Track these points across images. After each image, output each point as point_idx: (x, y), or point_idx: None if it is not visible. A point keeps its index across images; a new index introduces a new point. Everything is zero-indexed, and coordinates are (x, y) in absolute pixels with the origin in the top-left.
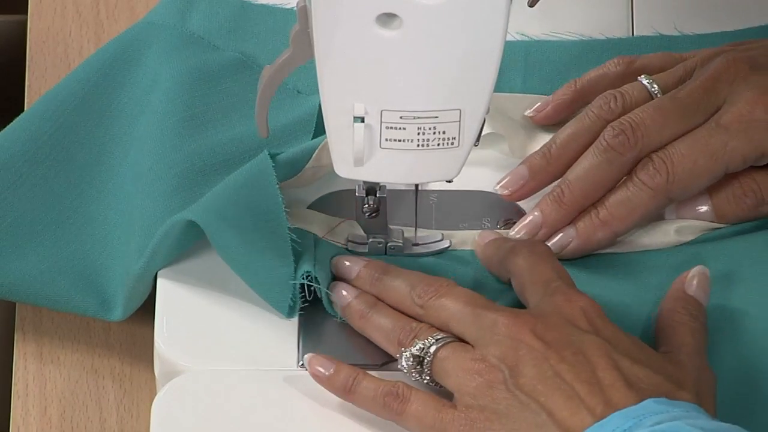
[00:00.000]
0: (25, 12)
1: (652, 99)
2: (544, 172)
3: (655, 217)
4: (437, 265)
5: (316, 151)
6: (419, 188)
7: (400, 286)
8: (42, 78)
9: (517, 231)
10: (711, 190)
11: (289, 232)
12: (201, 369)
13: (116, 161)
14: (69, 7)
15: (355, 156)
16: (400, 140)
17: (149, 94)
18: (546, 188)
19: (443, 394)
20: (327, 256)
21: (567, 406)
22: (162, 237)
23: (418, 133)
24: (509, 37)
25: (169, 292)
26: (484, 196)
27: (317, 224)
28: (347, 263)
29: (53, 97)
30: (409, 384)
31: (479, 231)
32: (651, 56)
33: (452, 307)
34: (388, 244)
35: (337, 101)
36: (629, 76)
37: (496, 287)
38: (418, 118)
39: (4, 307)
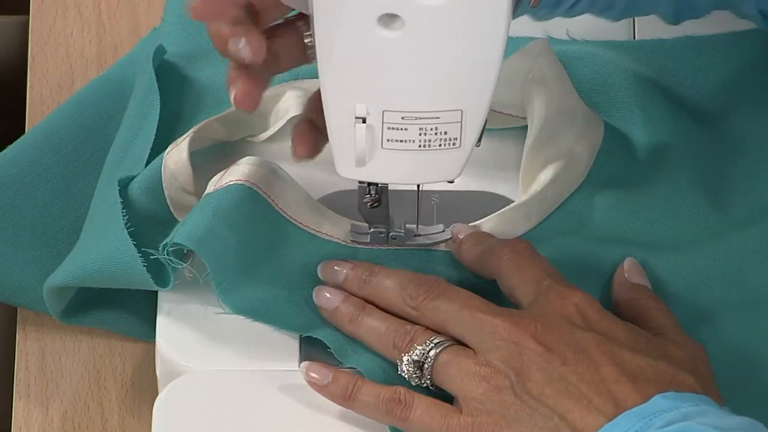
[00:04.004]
0: (27, 13)
1: None
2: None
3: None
4: (415, 268)
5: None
6: (421, 188)
7: (389, 288)
8: (43, 79)
9: None
10: None
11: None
12: (202, 369)
13: None
14: (70, 7)
15: (356, 156)
16: (401, 141)
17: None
18: None
19: (442, 397)
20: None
21: (577, 408)
22: (48, 299)
23: (420, 134)
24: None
25: (171, 293)
26: (485, 197)
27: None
28: (336, 267)
29: (53, 132)
30: (409, 388)
31: (451, 226)
32: None
33: (448, 309)
34: (390, 234)
35: (338, 102)
36: None
37: (478, 284)
38: (420, 118)
39: (5, 307)
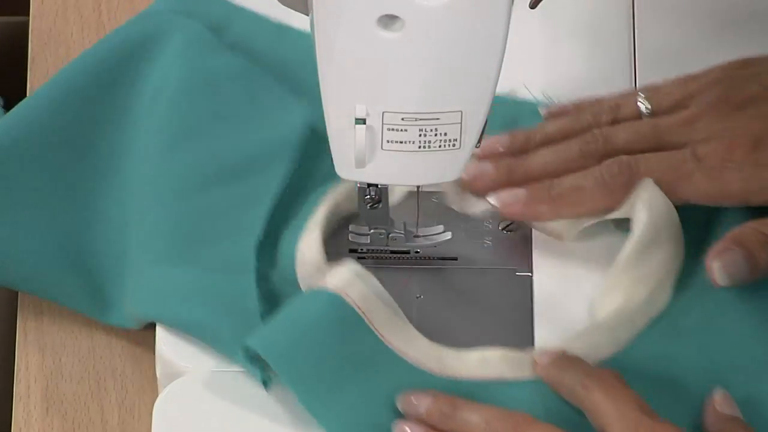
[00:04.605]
0: (27, 13)
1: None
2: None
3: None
4: (500, 401)
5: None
6: (421, 189)
7: (475, 424)
8: (44, 80)
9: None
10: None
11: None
12: (202, 370)
13: (122, 161)
14: (70, 8)
15: (356, 157)
16: (401, 142)
17: (159, 94)
18: None
19: None
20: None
21: None
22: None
23: (420, 135)
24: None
25: None
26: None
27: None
28: (414, 400)
29: (59, 91)
30: None
31: (534, 353)
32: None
33: None
34: (390, 235)
35: (338, 103)
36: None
37: (567, 415)
38: (420, 119)
39: (5, 308)
